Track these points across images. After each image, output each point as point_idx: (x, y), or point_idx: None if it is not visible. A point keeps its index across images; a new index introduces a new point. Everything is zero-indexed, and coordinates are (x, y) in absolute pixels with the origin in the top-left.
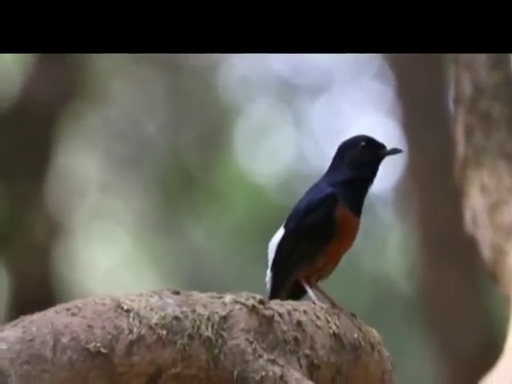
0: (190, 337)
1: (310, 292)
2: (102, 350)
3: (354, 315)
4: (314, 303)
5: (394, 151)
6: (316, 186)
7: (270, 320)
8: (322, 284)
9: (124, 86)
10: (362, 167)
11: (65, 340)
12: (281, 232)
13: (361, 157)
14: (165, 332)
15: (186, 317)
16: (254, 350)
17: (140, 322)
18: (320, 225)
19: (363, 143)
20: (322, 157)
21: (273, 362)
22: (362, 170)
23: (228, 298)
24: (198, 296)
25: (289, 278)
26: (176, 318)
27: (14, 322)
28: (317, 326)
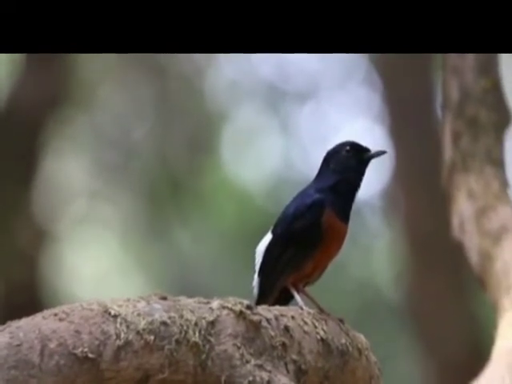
0: (178, 342)
1: (298, 297)
2: (90, 355)
3: (341, 320)
4: (301, 309)
5: (379, 153)
6: (303, 192)
7: (257, 325)
8: (309, 290)
9: (111, 92)
10: (347, 171)
11: (52, 345)
12: (268, 237)
13: (346, 161)
14: (152, 337)
15: (174, 322)
16: (242, 355)
17: (127, 327)
18: (307, 231)
19: (347, 147)
20: (309, 162)
21: (260, 367)
22: (347, 173)
23: (215, 303)
24: (186, 301)
25: (276, 284)
26: (163, 323)
27: (1, 328)
28: (304, 332)
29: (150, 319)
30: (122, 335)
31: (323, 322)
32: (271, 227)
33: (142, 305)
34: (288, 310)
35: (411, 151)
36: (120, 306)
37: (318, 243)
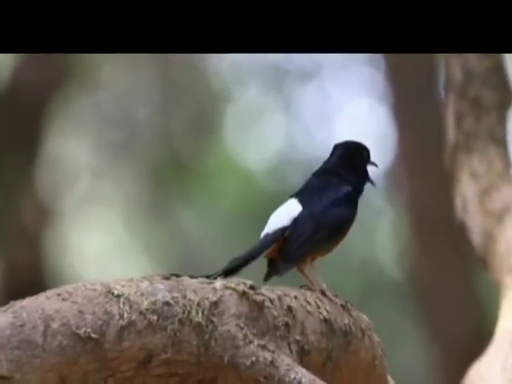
0: (181, 322)
1: (312, 274)
2: (93, 336)
3: (347, 302)
4: (311, 284)
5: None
6: (334, 178)
7: (260, 305)
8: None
9: (115, 72)
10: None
11: (55, 325)
12: (294, 204)
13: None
14: (155, 317)
15: (177, 302)
16: (245, 335)
17: (130, 307)
18: (346, 221)
19: (365, 152)
20: (313, 142)
21: (263, 347)
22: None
23: (219, 283)
24: (189, 281)
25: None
26: (166, 303)
27: (4, 308)
28: (307, 312)
29: (153, 299)
30: (125, 315)
31: (326, 302)
32: (295, 194)
33: (145, 285)
34: (291, 290)
35: (414, 131)
36: (123, 285)
37: (345, 233)
